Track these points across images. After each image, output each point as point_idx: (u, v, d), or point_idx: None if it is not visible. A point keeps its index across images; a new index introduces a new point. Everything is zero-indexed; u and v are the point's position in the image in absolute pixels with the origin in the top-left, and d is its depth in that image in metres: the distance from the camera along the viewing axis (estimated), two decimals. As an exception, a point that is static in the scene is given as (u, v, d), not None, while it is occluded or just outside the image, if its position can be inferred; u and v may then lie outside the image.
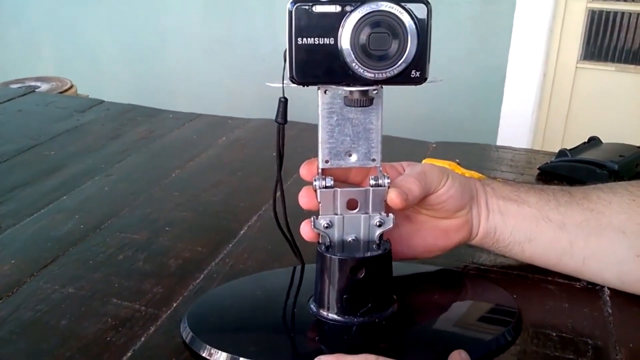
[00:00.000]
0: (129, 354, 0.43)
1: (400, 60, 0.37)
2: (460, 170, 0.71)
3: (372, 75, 0.38)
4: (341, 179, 0.46)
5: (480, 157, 0.82)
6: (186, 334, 0.44)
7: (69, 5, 2.53)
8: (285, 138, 0.46)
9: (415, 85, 0.39)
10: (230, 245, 0.58)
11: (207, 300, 0.49)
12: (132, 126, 0.94)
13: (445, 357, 0.39)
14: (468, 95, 1.99)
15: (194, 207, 0.67)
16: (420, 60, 0.38)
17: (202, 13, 2.32)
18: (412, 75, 0.38)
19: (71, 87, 1.95)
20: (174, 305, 0.49)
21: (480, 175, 0.70)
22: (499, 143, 1.91)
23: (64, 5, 2.54)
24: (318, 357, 0.39)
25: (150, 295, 0.50)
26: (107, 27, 2.50)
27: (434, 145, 0.85)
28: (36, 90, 1.68)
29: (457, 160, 0.76)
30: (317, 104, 0.43)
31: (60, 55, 2.64)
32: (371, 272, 0.44)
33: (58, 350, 0.43)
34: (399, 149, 0.82)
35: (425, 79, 0.39)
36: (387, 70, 0.38)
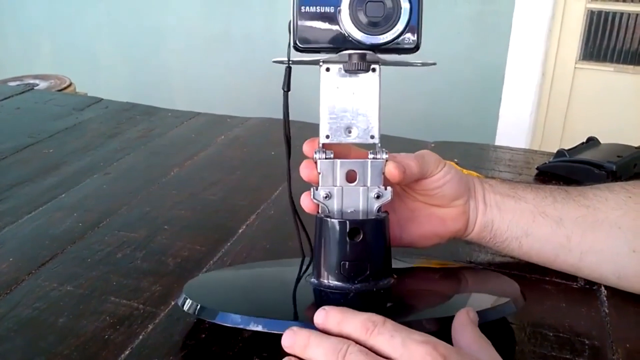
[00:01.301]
0: (127, 352, 0.43)
1: (394, 26, 0.41)
2: (458, 169, 0.71)
3: (368, 40, 0.42)
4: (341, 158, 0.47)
5: (478, 157, 0.82)
6: (183, 300, 0.44)
7: (67, 2, 2.52)
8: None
9: (410, 53, 0.43)
10: (229, 244, 0.58)
11: (204, 278, 0.50)
12: (130, 124, 0.94)
13: (446, 323, 0.39)
14: (467, 95, 2.00)
15: (193, 206, 0.67)
16: (413, 27, 0.42)
17: (201, 11, 2.31)
18: (406, 42, 0.42)
19: (70, 85, 1.94)
20: (172, 303, 0.49)
21: (479, 174, 0.71)
22: (497, 143, 1.91)
23: (62, 2, 2.53)
24: (322, 307, 0.38)
25: (148, 293, 0.50)
26: (105, 25, 2.50)
27: (433, 145, 0.85)
28: (35, 88, 1.68)
29: (456, 160, 0.77)
30: (317, 98, 0.44)
31: (59, 53, 2.63)
32: (369, 236, 0.44)
33: (56, 348, 0.44)
34: (397, 149, 0.81)
35: (418, 47, 0.42)
36: (382, 35, 0.41)
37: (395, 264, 0.47)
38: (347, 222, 0.44)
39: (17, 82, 1.91)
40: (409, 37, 0.42)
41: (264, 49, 2.21)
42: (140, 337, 0.45)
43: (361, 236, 0.44)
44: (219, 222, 0.63)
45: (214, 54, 2.34)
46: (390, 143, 0.51)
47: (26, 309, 0.48)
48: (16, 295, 0.50)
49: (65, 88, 1.91)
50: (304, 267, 0.50)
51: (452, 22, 1.92)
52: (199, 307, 0.43)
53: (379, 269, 0.45)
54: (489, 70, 1.94)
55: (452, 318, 0.39)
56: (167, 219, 0.63)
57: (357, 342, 0.36)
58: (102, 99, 1.06)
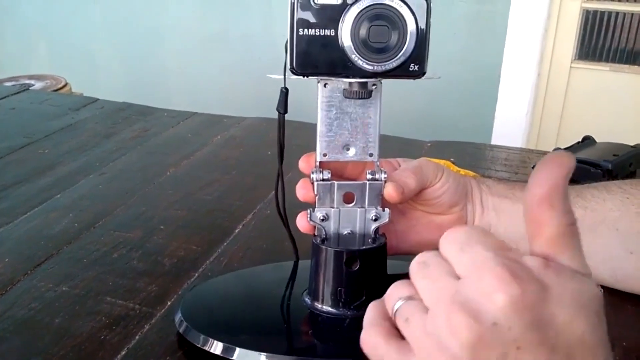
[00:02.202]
0: (123, 352, 0.43)
1: (399, 53, 0.38)
2: (455, 169, 0.72)
3: (372, 67, 0.38)
4: (338, 173, 0.46)
5: (474, 156, 0.82)
6: (180, 322, 0.44)
7: (64, 2, 2.52)
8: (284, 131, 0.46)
9: (414, 79, 0.39)
10: (225, 244, 0.58)
11: (202, 291, 0.50)
12: (126, 124, 0.93)
13: None
14: (463, 95, 2.00)
15: (189, 206, 0.67)
16: (419, 54, 0.38)
17: (198, 10, 2.31)
18: (410, 69, 0.39)
19: (65, 85, 1.94)
20: (168, 303, 0.49)
21: (475, 174, 0.71)
22: (493, 142, 1.91)
23: (59, 2, 2.52)
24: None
25: (144, 293, 0.50)
26: (101, 25, 2.49)
27: (429, 144, 0.85)
28: (30, 88, 1.67)
29: (452, 159, 0.77)
30: (314, 100, 0.43)
31: (55, 53, 2.63)
32: (366, 265, 0.44)
33: (52, 349, 0.43)
34: (394, 148, 0.82)
35: (424, 73, 0.39)
36: (386, 62, 0.38)
37: (390, 267, 0.46)
38: (345, 252, 0.43)
39: (13, 83, 1.91)
40: (415, 63, 0.38)
41: (261, 49, 2.21)
42: (137, 337, 0.45)
43: (358, 264, 0.44)
44: (215, 222, 0.63)
45: (211, 53, 2.34)
46: (387, 142, 0.51)
47: (22, 309, 0.48)
48: (12, 296, 0.50)
49: (60, 88, 1.91)
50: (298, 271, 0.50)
51: (449, 22, 1.93)
52: (190, 330, 0.43)
53: (375, 294, 0.45)
54: (485, 70, 1.94)
55: None
56: (163, 219, 0.63)
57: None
58: (98, 99, 1.06)
